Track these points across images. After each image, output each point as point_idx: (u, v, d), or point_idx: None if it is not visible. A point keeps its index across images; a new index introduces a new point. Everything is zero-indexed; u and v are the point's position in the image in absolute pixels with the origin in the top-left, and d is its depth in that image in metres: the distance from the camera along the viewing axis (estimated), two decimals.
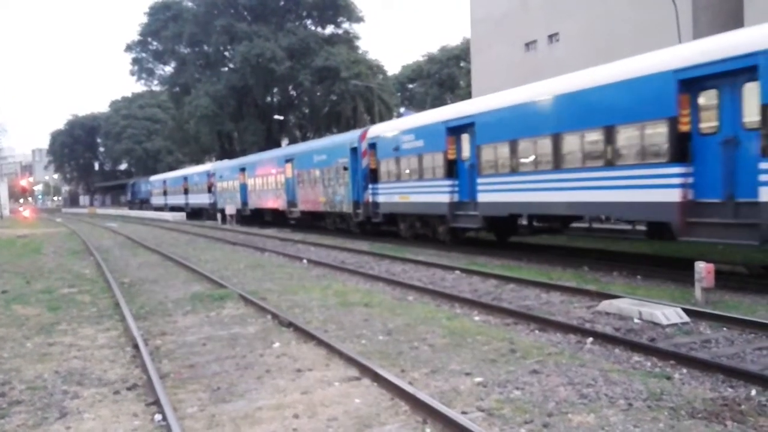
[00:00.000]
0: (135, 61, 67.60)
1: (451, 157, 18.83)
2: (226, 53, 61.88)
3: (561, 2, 38.71)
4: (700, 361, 6.80)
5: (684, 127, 11.47)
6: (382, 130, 23.77)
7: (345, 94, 56.42)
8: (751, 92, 10.36)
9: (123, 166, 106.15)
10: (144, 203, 69.87)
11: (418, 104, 69.90)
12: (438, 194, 19.34)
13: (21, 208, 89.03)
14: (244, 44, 54.93)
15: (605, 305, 9.59)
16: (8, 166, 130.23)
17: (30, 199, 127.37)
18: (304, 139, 57.85)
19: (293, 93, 63.51)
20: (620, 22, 33.56)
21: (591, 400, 5.78)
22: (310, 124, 63.03)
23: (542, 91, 15.46)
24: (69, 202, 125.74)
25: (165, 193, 60.88)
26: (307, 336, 8.48)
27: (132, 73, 68.58)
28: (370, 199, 23.72)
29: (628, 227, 18.71)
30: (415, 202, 20.87)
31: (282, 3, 60.83)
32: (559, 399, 5.83)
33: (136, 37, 66.06)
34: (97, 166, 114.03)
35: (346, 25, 62.67)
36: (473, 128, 17.76)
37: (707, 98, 11.28)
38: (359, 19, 62.13)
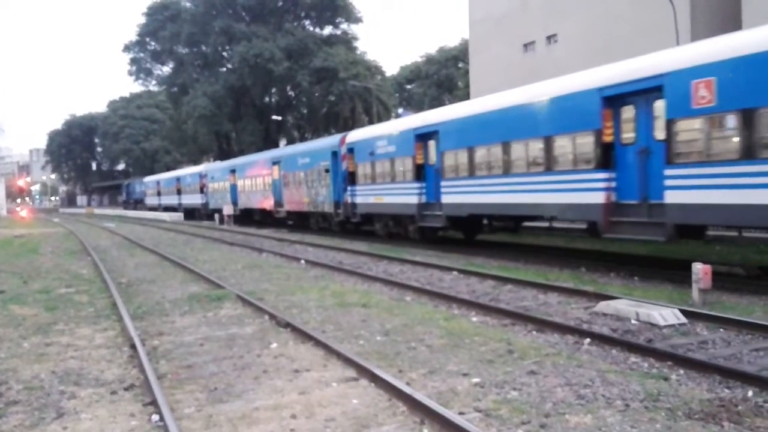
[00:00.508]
0: (133, 61, 67.57)
1: (419, 161, 20.41)
2: (225, 53, 61.85)
3: (559, 3, 38.78)
4: (697, 362, 6.81)
5: (607, 138, 13.11)
6: (360, 135, 25.27)
7: (343, 95, 56.43)
8: (659, 108, 12.00)
9: (121, 167, 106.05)
10: (138, 203, 71.26)
11: (416, 105, 69.94)
12: (408, 196, 21.00)
13: (18, 208, 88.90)
14: (243, 44, 54.91)
15: (602, 306, 9.60)
16: (5, 166, 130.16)
17: (27, 199, 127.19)
18: (303, 139, 57.85)
19: (291, 93, 63.50)
20: (618, 22, 33.64)
21: (588, 401, 5.78)
22: (308, 124, 63.04)
23: (494, 103, 17.14)
24: (66, 202, 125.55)
25: (159, 194, 62.22)
26: (305, 336, 8.47)
27: (130, 74, 68.60)
28: (349, 200, 25.23)
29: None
30: (388, 203, 22.47)
31: (280, 3, 60.85)
32: (556, 400, 5.84)
33: (134, 38, 66.08)
34: (94, 166, 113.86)
35: (344, 26, 62.78)
36: (438, 136, 19.39)
37: (626, 113, 12.89)
38: (357, 20, 62.20)
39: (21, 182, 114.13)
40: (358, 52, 61.84)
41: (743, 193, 10.55)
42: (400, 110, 62.15)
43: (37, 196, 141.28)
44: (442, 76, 72.79)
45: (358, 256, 18.78)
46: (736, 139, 10.63)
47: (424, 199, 20.38)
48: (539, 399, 5.87)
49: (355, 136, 25.66)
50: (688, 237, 13.02)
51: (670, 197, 11.75)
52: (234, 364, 7.46)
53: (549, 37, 40.55)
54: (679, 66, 11.64)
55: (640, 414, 5.45)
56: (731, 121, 10.75)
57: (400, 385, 6.11)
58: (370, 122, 50.16)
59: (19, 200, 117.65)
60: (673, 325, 8.56)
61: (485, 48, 45.43)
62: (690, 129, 11.42)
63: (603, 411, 5.53)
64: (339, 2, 59.35)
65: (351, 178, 25.07)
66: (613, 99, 13.01)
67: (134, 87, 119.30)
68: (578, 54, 36.94)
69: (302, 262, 17.73)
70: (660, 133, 12.02)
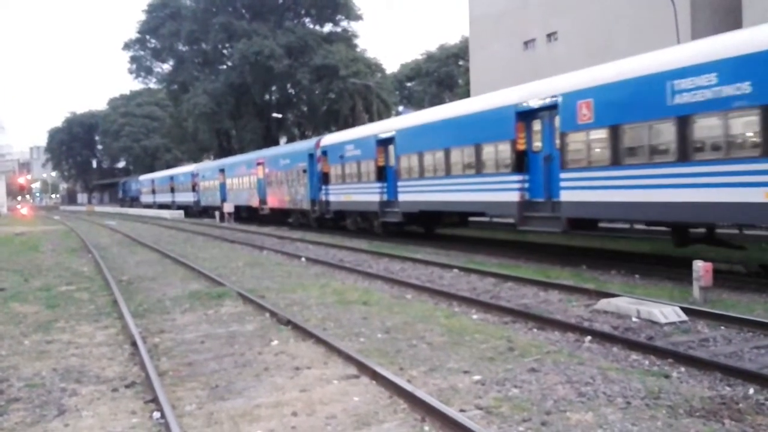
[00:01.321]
0: (133, 59, 67.39)
1: (381, 164, 22.89)
2: (225, 51, 61.78)
3: (559, 1, 38.70)
4: (698, 359, 6.82)
5: (521, 147, 15.69)
6: (332, 139, 27.85)
7: (343, 93, 56.37)
8: (557, 123, 14.41)
9: (121, 164, 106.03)
10: (134, 201, 73.44)
11: (416, 102, 69.85)
12: (371, 194, 23.43)
13: (19, 206, 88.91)
14: (243, 42, 54.85)
15: (603, 304, 9.60)
16: (6, 164, 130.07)
17: (28, 196, 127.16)
18: (303, 137, 57.82)
19: (292, 91, 63.42)
20: (618, 20, 33.57)
21: (589, 399, 5.79)
22: (309, 122, 62.96)
23: (438, 114, 20.20)
24: (67, 200, 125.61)
25: (153, 192, 64.49)
26: (306, 334, 8.48)
27: (130, 71, 68.34)
28: (324, 198, 27.63)
29: None
30: (356, 200, 24.94)
31: (281, 1, 60.81)
32: (557, 397, 5.84)
33: (135, 35, 65.91)
34: (95, 164, 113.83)
35: (344, 23, 62.69)
36: (395, 141, 21.92)
37: (535, 126, 15.43)
38: (358, 18, 62.11)
39: (22, 180, 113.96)
40: (359, 49, 61.76)
41: (612, 192, 13.03)
42: (401, 108, 62.05)
43: (38, 194, 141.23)
44: (443, 74, 72.68)
45: (359, 254, 18.78)
46: (606, 149, 13.06)
47: (385, 197, 22.80)
48: (540, 396, 5.87)
49: (328, 140, 28.21)
50: (580, 229, 15.61)
51: (564, 196, 14.26)
52: (235, 362, 7.47)
53: (549, 35, 40.47)
54: (569, 89, 14.07)
55: (641, 411, 5.45)
56: (603, 134, 13.16)
57: (401, 382, 6.11)
58: (371, 120, 50.11)
59: (19, 198, 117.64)
60: (674, 323, 8.56)
61: (485, 45, 45.35)
62: (576, 140, 13.88)
63: (604, 408, 5.53)
64: (339, 0, 59.28)
65: (325, 179, 27.36)
66: (525, 114, 15.52)
67: (134, 85, 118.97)
68: (578, 51, 36.86)
69: (303, 259, 17.74)
70: (557, 143, 14.43)
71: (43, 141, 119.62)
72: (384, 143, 22.73)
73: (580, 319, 9.06)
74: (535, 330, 8.65)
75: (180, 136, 68.92)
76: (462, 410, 5.53)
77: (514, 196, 15.81)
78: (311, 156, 28.78)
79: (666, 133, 11.88)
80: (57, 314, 10.89)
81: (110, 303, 11.78)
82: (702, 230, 13.36)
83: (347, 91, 56.09)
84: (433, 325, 8.86)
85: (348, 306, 10.55)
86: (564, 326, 8.58)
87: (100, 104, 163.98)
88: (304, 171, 29.31)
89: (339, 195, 26.33)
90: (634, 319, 8.83)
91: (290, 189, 31.23)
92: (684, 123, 11.43)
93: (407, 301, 11.11)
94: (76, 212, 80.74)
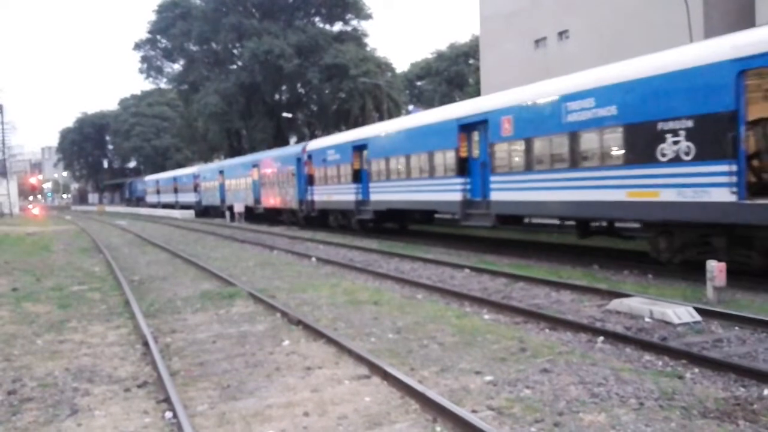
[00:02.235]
0: (144, 59, 67.62)
1: (356, 167, 25.68)
2: (235, 51, 61.90)
3: None
4: (712, 360, 6.76)
5: (463, 154, 18.51)
6: (316, 145, 31.00)
7: (353, 92, 56.35)
8: (487, 134, 17.21)
9: (132, 164, 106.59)
10: (140, 201, 75.99)
11: (426, 101, 69.72)
12: (348, 194, 26.21)
13: (30, 206, 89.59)
14: (253, 41, 54.95)
15: (616, 304, 9.55)
16: (18, 164, 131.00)
17: (39, 196, 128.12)
18: (313, 136, 57.91)
19: (302, 90, 63.49)
20: (630, 18, 33.33)
21: (602, 399, 5.75)
22: (319, 121, 63.00)
23: (401, 125, 23.58)
24: (78, 200, 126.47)
25: (158, 192, 67.19)
26: (317, 334, 8.48)
27: (141, 71, 68.52)
28: (309, 198, 30.43)
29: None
30: (336, 200, 27.73)
31: (291, 0, 60.83)
32: (569, 398, 5.81)
33: (145, 36, 66.06)
34: (106, 164, 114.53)
35: (354, 23, 62.60)
36: (367, 147, 24.82)
37: (474, 137, 18.23)
38: (368, 17, 62.03)
39: (33, 180, 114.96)
40: (369, 48, 61.71)
41: (527, 193, 15.81)
42: (411, 107, 61.95)
43: (49, 194, 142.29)
44: (453, 73, 72.45)
45: (369, 254, 18.79)
46: (522, 157, 15.86)
47: (360, 197, 25.48)
48: (552, 397, 5.84)
49: (313, 145, 31.35)
50: (508, 224, 18.82)
51: (493, 196, 17.09)
52: (246, 362, 7.48)
53: (560, 33, 40.26)
54: (496, 107, 17.02)
55: (654, 413, 5.41)
56: (519, 145, 15.99)
57: (412, 383, 6.09)
58: (381, 119, 50.10)
59: (31, 198, 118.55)
60: (687, 323, 8.50)
61: (496, 44, 45.18)
62: (501, 150, 16.73)
63: (617, 409, 5.50)
64: None
65: (310, 180, 30.24)
66: (466, 127, 18.34)
67: (145, 85, 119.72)
68: (590, 50, 36.60)
69: (313, 259, 17.76)
70: (489, 152, 17.19)
71: (54, 141, 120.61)
72: (359, 149, 25.59)
73: (592, 320, 9.01)
74: (547, 330, 8.61)
75: (190, 135, 69.19)
76: (474, 411, 5.51)
77: (457, 196, 18.65)
78: (299, 160, 31.61)
79: (562, 145, 14.48)
80: (69, 314, 10.95)
81: (122, 303, 11.85)
82: (604, 224, 15.82)
83: (357, 91, 56.07)
84: (444, 326, 8.84)
85: (359, 306, 10.55)
86: (576, 326, 8.54)
87: (111, 104, 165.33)
88: (293, 173, 32.08)
89: (322, 195, 29.18)
90: (647, 320, 8.77)
91: (281, 190, 34.09)
92: (573, 137, 14.09)
93: (418, 301, 11.09)
94: (87, 212, 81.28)
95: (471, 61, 68.39)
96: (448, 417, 5.30)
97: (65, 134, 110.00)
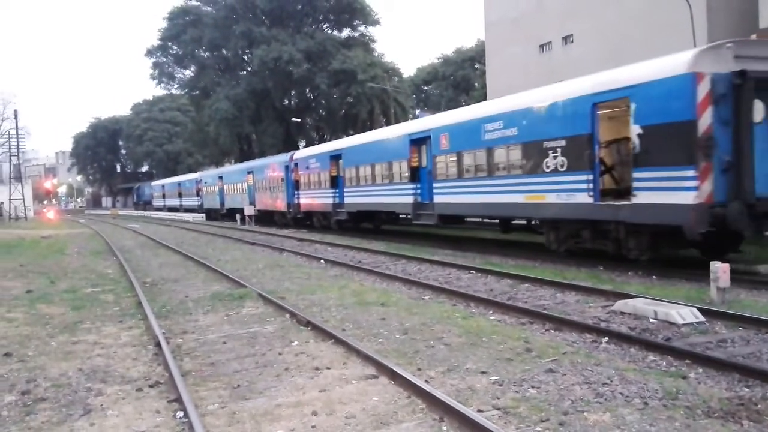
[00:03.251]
0: (155, 65, 67.96)
1: (334, 174, 29.11)
2: (245, 57, 62.27)
3: (575, 3, 38.47)
4: (716, 360, 6.79)
5: (414, 164, 21.86)
6: (301, 154, 35.11)
7: (361, 97, 56.54)
8: (431, 148, 20.46)
9: (144, 168, 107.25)
10: (147, 204, 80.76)
11: (433, 106, 69.72)
12: (327, 198, 29.79)
13: (45, 210, 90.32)
14: (262, 48, 55.27)
15: (620, 305, 9.58)
16: (32, 169, 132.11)
17: (53, 200, 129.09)
18: (321, 140, 58.12)
19: (310, 96, 63.75)
20: (634, 22, 33.24)
21: (607, 399, 5.80)
22: (327, 126, 63.24)
23: (368, 138, 27.07)
24: (92, 204, 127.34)
25: (164, 196, 71.95)
26: (325, 335, 8.57)
27: (152, 78, 68.88)
28: (296, 201, 34.10)
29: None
30: (317, 203, 31.34)
31: (299, 7, 61.07)
32: (575, 398, 5.86)
33: (157, 42, 66.46)
34: (119, 168, 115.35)
35: (362, 28, 62.89)
36: (342, 157, 28.26)
37: (422, 150, 21.44)
38: (375, 22, 62.28)
39: (47, 184, 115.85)
40: (376, 54, 61.95)
41: (459, 196, 19.00)
42: (418, 111, 62.04)
43: (63, 198, 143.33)
44: (459, 77, 72.36)
45: (377, 256, 18.88)
46: (455, 167, 18.98)
47: (337, 200, 28.69)
48: (558, 397, 5.89)
49: (298, 154, 35.35)
50: (450, 223, 22.31)
51: (436, 199, 20.30)
52: (256, 362, 7.58)
53: (565, 38, 40.23)
54: (437, 125, 20.42)
55: (658, 412, 5.45)
56: (453, 157, 19.08)
57: (419, 382, 6.16)
58: (388, 123, 50.24)
59: (45, 202, 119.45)
60: (691, 324, 8.52)
61: (501, 49, 45.19)
62: (440, 161, 19.81)
63: (622, 409, 5.54)
64: (356, 5, 59.48)
65: (297, 186, 33.91)
66: (416, 141, 21.62)
67: (157, 91, 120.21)
68: (595, 54, 36.52)
69: (322, 261, 17.88)
70: (432, 162, 20.39)
71: (68, 146, 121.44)
72: (336, 158, 29.02)
73: (597, 320, 9.04)
74: (552, 331, 8.66)
75: (202, 140, 69.56)
76: (480, 410, 5.57)
77: (410, 199, 22.03)
78: (287, 167, 35.06)
79: (482, 157, 17.61)
80: (83, 315, 11.10)
81: (134, 304, 11.99)
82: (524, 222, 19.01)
83: (365, 96, 56.26)
84: (450, 326, 8.91)
85: (366, 307, 10.64)
86: (581, 327, 8.58)
87: (123, 110, 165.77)
88: (282, 179, 35.64)
89: (305, 199, 32.96)
90: (651, 320, 8.80)
91: (272, 194, 37.77)
92: (489, 152, 17.23)
93: (425, 302, 11.17)
94: (100, 215, 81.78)
95: (477, 66, 68.34)
96: (455, 416, 5.35)
97: (79, 139, 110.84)
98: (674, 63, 12.03)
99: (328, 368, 7.14)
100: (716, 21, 29.78)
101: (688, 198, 11.56)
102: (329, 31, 62.92)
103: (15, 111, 67.80)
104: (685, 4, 22.73)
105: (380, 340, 8.41)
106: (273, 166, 37.77)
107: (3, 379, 7.37)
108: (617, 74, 13.52)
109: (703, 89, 11.40)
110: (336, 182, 28.78)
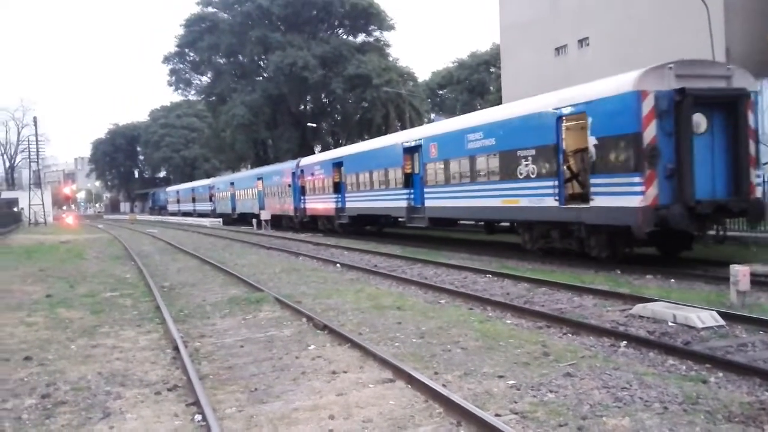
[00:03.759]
0: (172, 72, 68.60)
1: (336, 180, 30.84)
2: (261, 63, 62.66)
3: (591, 7, 38.29)
4: (737, 364, 6.71)
5: (407, 170, 23.70)
6: (307, 161, 36.86)
7: (376, 101, 56.69)
8: (422, 156, 22.34)
9: (162, 174, 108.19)
10: (162, 209, 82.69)
11: (448, 110, 69.59)
12: (330, 203, 31.76)
13: (64, 215, 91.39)
14: (278, 54, 55.61)
15: (639, 309, 9.50)
16: (52, 174, 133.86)
17: (72, 206, 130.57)
18: (337, 145, 58.32)
19: (326, 101, 64.02)
20: (650, 25, 32.99)
21: (626, 404, 5.74)
22: (343, 130, 63.45)
23: (365, 147, 29.47)
24: (110, 209, 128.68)
25: (178, 201, 73.54)
26: (342, 338, 8.59)
27: (170, 84, 69.52)
28: (302, 206, 36.03)
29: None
30: (321, 207, 33.25)
31: (315, 13, 61.39)
32: (593, 402, 5.81)
33: (174, 49, 67.10)
34: (137, 174, 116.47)
35: (377, 33, 63.10)
36: (343, 164, 30.21)
37: (415, 158, 23.24)
38: (390, 27, 62.42)
39: (66, 190, 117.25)
40: (391, 58, 62.10)
41: (446, 201, 20.78)
42: (433, 115, 62.03)
43: (82, 203, 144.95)
44: (474, 81, 72.25)
45: (393, 260, 18.88)
46: (443, 174, 20.71)
47: (340, 204, 30.50)
48: (576, 401, 5.85)
49: (304, 162, 36.99)
50: (439, 225, 24.95)
51: (426, 203, 22.12)
52: (273, 366, 7.60)
53: (580, 41, 40.03)
54: (426, 135, 22.48)
55: (678, 417, 5.40)
56: (441, 165, 20.83)
57: (436, 386, 6.15)
58: (403, 128, 50.30)
59: (64, 207, 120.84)
60: (711, 328, 8.41)
61: (516, 52, 45.09)
62: (430, 168, 21.64)
63: (641, 414, 5.49)
64: (372, 10, 59.67)
65: (303, 191, 35.79)
66: (409, 149, 23.49)
67: (174, 97, 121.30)
68: (610, 57, 36.27)
69: (338, 265, 17.90)
70: (423, 169, 22.25)
71: (87, 152, 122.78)
72: (338, 165, 30.81)
73: (615, 324, 8.96)
74: (569, 335, 8.60)
75: (218, 146, 70.14)
76: (497, 415, 5.54)
77: (404, 203, 23.79)
78: (294, 174, 36.93)
79: (465, 165, 19.22)
80: (102, 319, 11.20)
81: (153, 308, 12.09)
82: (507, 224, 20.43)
83: (380, 100, 56.40)
84: (467, 330, 8.88)
85: (383, 311, 10.64)
86: (599, 331, 8.51)
87: (141, 116, 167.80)
88: (289, 185, 37.66)
89: (310, 203, 34.88)
90: (670, 324, 8.71)
91: (280, 199, 39.78)
92: (472, 159, 18.82)
93: (441, 306, 11.14)
94: (118, 221, 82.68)
95: (492, 70, 68.24)
96: (472, 420, 5.33)
97: (97, 145, 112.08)
98: (622, 82, 13.44)
99: (345, 372, 7.15)
100: (733, 21, 29.49)
101: (635, 201, 12.96)
102: (344, 37, 63.20)
103: (35, 118, 68.90)
104: (701, 6, 22.53)
105: (397, 344, 8.40)
106: (281, 172, 40.05)
107: (23, 382, 7.45)
108: (577, 91, 15.17)
109: (647, 105, 12.86)
110: (339, 188, 30.51)
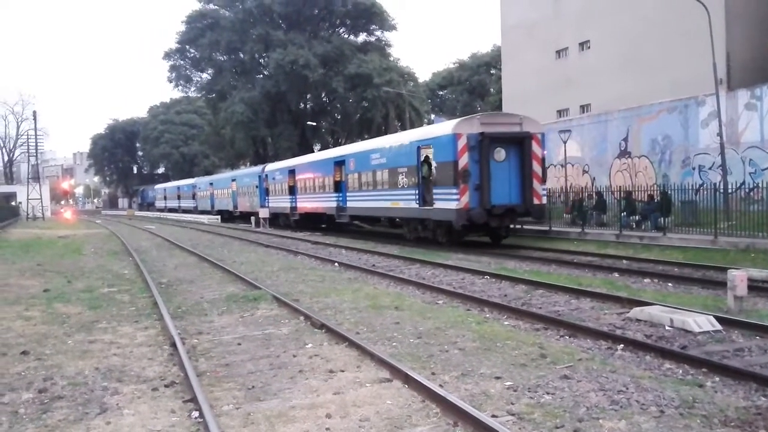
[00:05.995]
0: (173, 68, 68.32)
1: (291, 184, 37.02)
2: (262, 61, 62.58)
3: (592, 10, 38.36)
4: (733, 369, 6.73)
5: (337, 179, 29.63)
6: (271, 167, 42.40)
7: (376, 101, 56.65)
8: (345, 168, 28.70)
9: (161, 170, 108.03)
10: (150, 206, 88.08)
11: (448, 111, 69.59)
12: (285, 203, 38.11)
13: (62, 210, 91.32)
14: (279, 51, 55.55)
15: (636, 312, 9.52)
16: (50, 169, 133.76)
17: (71, 201, 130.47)
18: (336, 144, 58.32)
19: (326, 99, 63.98)
20: (651, 28, 33.03)
21: (622, 407, 5.76)
22: (342, 130, 63.40)
23: (309, 159, 36.99)
24: (108, 205, 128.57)
25: (165, 198, 79.25)
26: (339, 337, 8.60)
27: (170, 80, 69.17)
28: (266, 205, 41.41)
29: None
30: (281, 206, 39.14)
31: (316, 12, 61.33)
32: (590, 404, 5.83)
33: (174, 45, 66.91)
34: (135, 170, 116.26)
35: (378, 33, 62.97)
36: (295, 170, 36.42)
37: (343, 169, 29.02)
38: (391, 28, 62.36)
39: (65, 185, 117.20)
40: (392, 58, 61.99)
41: (360, 202, 27.10)
42: (433, 116, 62.01)
43: (80, 198, 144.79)
44: (475, 83, 72.19)
45: (391, 260, 18.89)
46: (357, 182, 27.24)
47: (293, 204, 36.80)
48: (573, 403, 5.86)
49: (268, 167, 42.82)
50: (358, 221, 31.39)
51: (348, 204, 28.35)
52: (270, 364, 7.62)
53: (582, 44, 40.10)
54: (348, 152, 29.28)
55: (675, 420, 5.41)
56: (357, 175, 27.10)
57: (433, 386, 6.16)
58: (403, 128, 50.32)
59: (62, 202, 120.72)
60: (708, 332, 8.43)
61: (517, 54, 45.16)
62: (350, 177, 27.81)
63: (637, 417, 5.51)
64: (374, 10, 59.61)
65: (267, 192, 41.73)
66: (337, 163, 29.67)
67: (174, 93, 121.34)
68: (611, 60, 36.40)
69: (336, 264, 17.91)
70: (344, 179, 28.75)
71: (86, 147, 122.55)
72: (292, 172, 36.78)
73: (612, 327, 8.98)
74: (567, 337, 8.62)
75: (217, 143, 70.06)
76: (494, 416, 5.55)
77: (334, 204, 30.03)
78: (260, 177, 42.83)
79: (370, 176, 25.59)
80: (99, 315, 11.21)
81: (150, 305, 12.10)
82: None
83: (380, 100, 56.37)
84: (464, 331, 8.90)
85: (380, 311, 10.65)
86: (596, 334, 8.53)
87: (141, 112, 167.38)
88: (256, 187, 43.58)
89: (273, 203, 40.70)
90: (667, 328, 8.72)
91: (249, 199, 45.78)
92: (374, 173, 25.17)
93: (439, 306, 11.15)
94: (117, 216, 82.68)
95: (492, 71, 68.23)
96: (469, 421, 5.34)
97: (96, 140, 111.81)
98: (448, 127, 20.23)
99: (342, 371, 7.16)
100: (735, 27, 29.57)
101: (454, 205, 19.38)
102: (346, 36, 63.14)
103: (34, 112, 69.09)
104: (703, 11, 22.57)
105: (394, 343, 8.41)
106: (249, 175, 46.38)
107: (20, 377, 7.46)
108: (428, 130, 23.97)
109: (462, 142, 19.19)
110: (293, 190, 36.83)
